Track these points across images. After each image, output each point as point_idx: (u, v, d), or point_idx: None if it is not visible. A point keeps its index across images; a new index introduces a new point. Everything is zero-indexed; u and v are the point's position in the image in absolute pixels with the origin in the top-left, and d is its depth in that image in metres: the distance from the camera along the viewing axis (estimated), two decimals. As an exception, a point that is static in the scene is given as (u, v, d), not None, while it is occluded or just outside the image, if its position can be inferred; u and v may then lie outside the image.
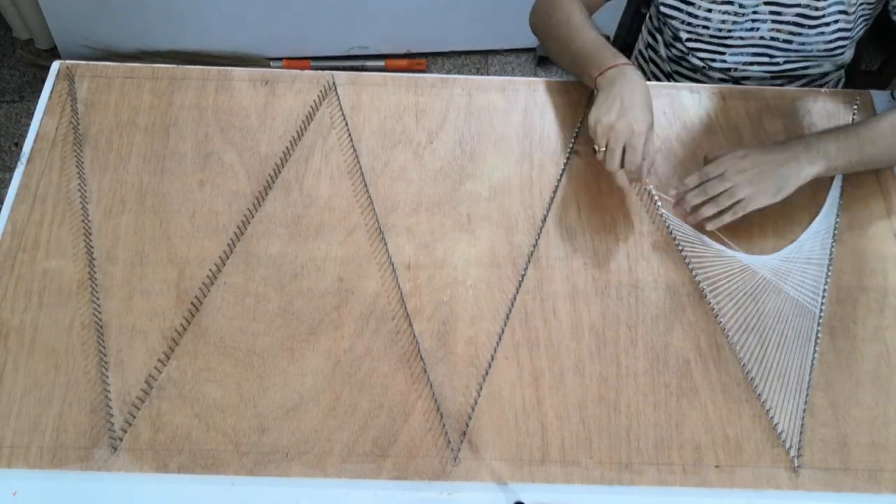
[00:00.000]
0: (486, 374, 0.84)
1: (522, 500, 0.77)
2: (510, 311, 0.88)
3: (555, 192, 0.96)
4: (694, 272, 0.91)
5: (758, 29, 1.04)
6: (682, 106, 1.04)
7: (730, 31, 1.05)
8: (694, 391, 0.84)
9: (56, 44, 2.01)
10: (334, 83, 1.03)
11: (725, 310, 0.88)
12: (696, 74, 1.14)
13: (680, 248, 0.93)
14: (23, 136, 1.93)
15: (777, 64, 1.08)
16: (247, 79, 1.05)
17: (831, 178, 0.98)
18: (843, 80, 1.20)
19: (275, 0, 1.89)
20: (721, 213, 0.88)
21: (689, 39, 1.09)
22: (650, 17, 1.21)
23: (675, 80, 1.17)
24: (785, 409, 0.83)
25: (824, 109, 1.05)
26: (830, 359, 0.86)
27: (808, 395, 0.84)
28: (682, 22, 1.07)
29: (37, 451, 0.79)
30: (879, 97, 1.06)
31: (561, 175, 0.98)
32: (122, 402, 0.82)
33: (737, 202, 0.87)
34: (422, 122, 1.02)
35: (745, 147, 0.91)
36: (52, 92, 1.02)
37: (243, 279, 0.89)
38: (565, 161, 0.99)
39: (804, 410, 0.83)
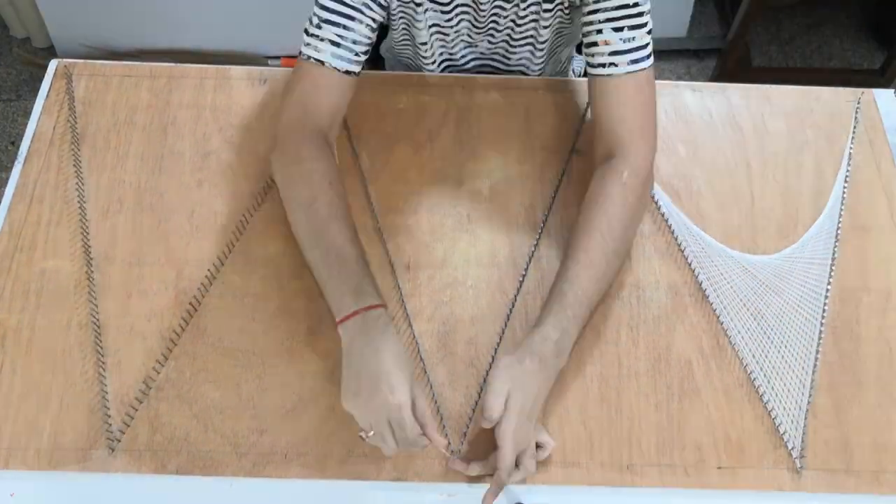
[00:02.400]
0: (487, 374, 0.83)
1: (523, 502, 0.77)
2: (511, 312, 0.87)
3: (555, 191, 0.96)
4: (696, 272, 0.90)
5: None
6: (683, 104, 1.04)
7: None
8: (696, 392, 0.83)
9: (53, 42, 2.01)
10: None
11: (727, 310, 0.88)
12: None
13: (682, 248, 0.92)
14: (20, 135, 1.93)
15: (500, 62, 1.06)
16: (245, 77, 1.04)
17: (833, 179, 0.98)
18: (572, 56, 1.18)
19: (273, -2, 1.89)
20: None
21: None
22: None
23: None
24: (787, 411, 0.82)
25: (827, 109, 1.05)
26: (833, 360, 0.86)
27: (810, 396, 0.83)
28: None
29: (34, 452, 0.78)
30: (881, 96, 1.06)
31: (561, 175, 0.97)
32: (120, 402, 0.81)
33: (538, 447, 0.77)
34: (422, 121, 1.01)
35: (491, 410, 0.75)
36: (49, 91, 1.02)
37: (242, 279, 0.89)
38: (566, 161, 0.98)
39: (807, 411, 0.82)
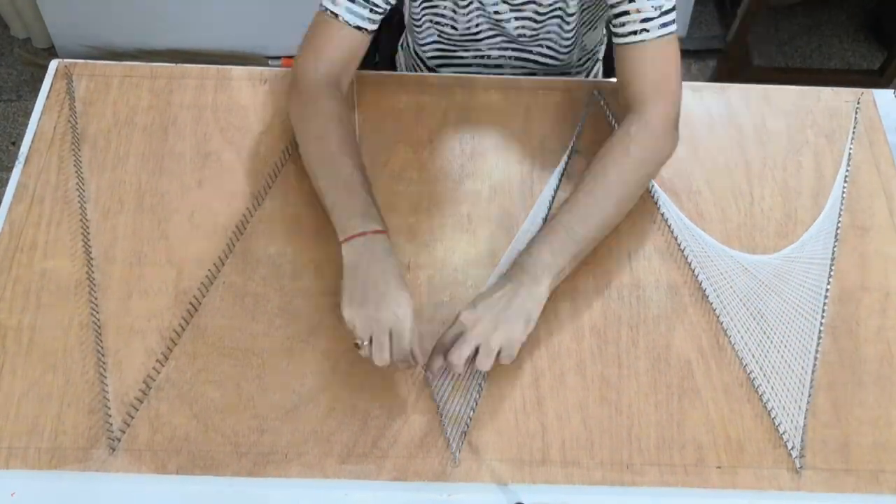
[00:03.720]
0: (486, 374, 0.83)
1: (523, 501, 0.77)
2: (511, 312, 0.87)
3: (555, 191, 0.96)
4: (696, 272, 0.90)
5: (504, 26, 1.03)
6: (684, 104, 1.03)
7: (477, 27, 1.04)
8: (695, 391, 0.83)
9: (54, 43, 2.01)
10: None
11: (727, 310, 0.88)
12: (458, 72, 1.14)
13: (682, 248, 0.92)
14: (20, 135, 1.93)
15: (530, 52, 1.08)
16: (246, 78, 1.04)
17: (833, 178, 0.98)
18: (600, 70, 1.22)
19: (274, -1, 1.89)
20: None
21: (440, 40, 1.08)
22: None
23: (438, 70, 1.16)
24: (787, 410, 0.83)
25: (826, 109, 1.05)
26: (833, 359, 0.86)
27: (810, 395, 0.83)
28: (433, 22, 1.05)
29: (35, 451, 0.78)
30: (881, 96, 1.06)
31: (561, 175, 0.97)
32: (121, 402, 0.81)
33: (499, 352, 0.77)
34: (422, 121, 1.01)
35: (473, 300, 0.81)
36: (50, 91, 1.02)
37: (242, 279, 0.89)
38: (566, 161, 0.98)
39: (806, 411, 0.83)
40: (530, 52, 1.08)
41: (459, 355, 0.76)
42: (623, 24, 0.89)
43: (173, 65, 1.05)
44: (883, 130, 1.03)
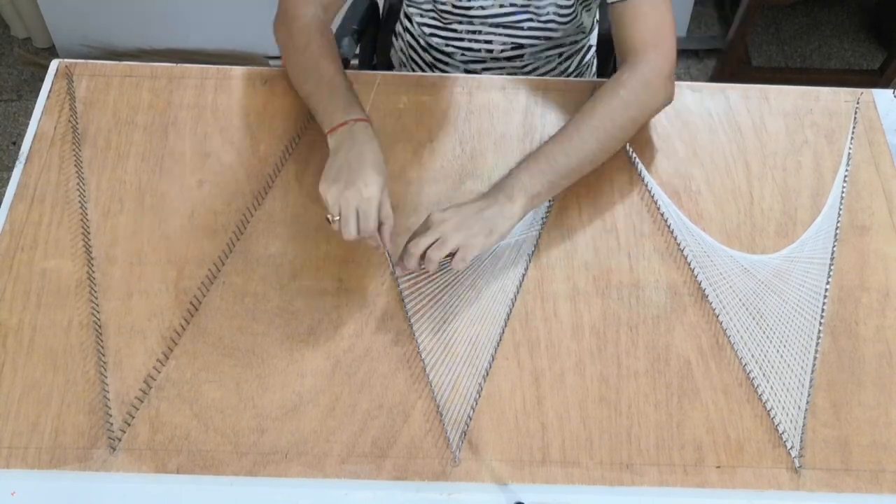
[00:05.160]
0: (487, 374, 0.84)
1: (523, 501, 0.77)
2: (510, 312, 0.88)
3: (555, 191, 0.96)
4: (695, 272, 0.91)
5: None
6: (683, 104, 1.04)
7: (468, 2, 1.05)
8: (695, 391, 0.84)
9: (54, 42, 2.01)
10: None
11: (727, 310, 0.88)
12: (447, 59, 1.15)
13: (681, 248, 0.92)
14: (21, 135, 1.93)
15: (521, 28, 1.08)
16: (246, 77, 1.05)
17: (832, 178, 0.98)
18: (594, 58, 1.23)
19: (274, -1, 1.89)
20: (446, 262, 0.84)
21: (433, 11, 1.09)
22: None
23: (431, 70, 1.17)
24: (786, 410, 0.83)
25: (826, 108, 1.05)
26: (832, 359, 0.86)
27: (809, 395, 0.83)
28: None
29: (35, 451, 0.78)
30: (880, 96, 1.06)
31: (561, 174, 0.97)
32: (121, 402, 0.81)
33: (452, 253, 0.82)
34: (422, 121, 1.01)
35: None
36: (50, 91, 1.02)
37: (242, 279, 0.89)
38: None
39: (806, 411, 0.83)
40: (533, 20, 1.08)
41: (417, 243, 0.81)
42: None
43: (174, 65, 1.05)
44: (882, 130, 1.03)
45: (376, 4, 1.31)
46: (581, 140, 0.89)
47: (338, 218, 0.82)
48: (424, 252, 0.82)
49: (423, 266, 0.82)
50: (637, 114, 0.92)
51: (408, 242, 0.83)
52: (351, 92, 0.90)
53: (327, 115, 0.88)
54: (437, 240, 0.81)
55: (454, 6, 1.06)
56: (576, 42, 1.16)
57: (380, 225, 0.84)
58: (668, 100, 0.95)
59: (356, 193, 0.81)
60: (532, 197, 0.85)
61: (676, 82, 0.97)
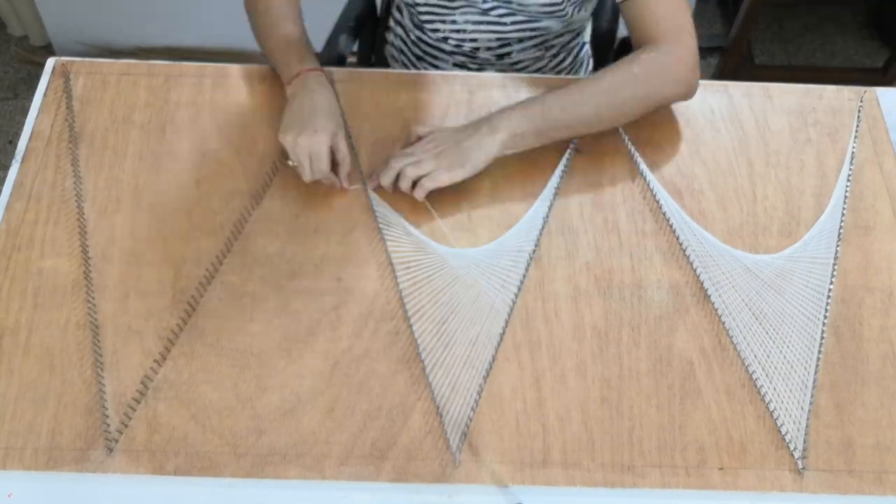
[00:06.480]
0: (487, 375, 0.83)
1: (523, 502, 0.77)
2: (511, 312, 0.87)
3: (556, 190, 0.95)
4: (698, 272, 0.90)
5: None
6: (685, 103, 1.03)
7: None
8: (697, 392, 0.83)
9: (51, 40, 2.00)
10: (332, 80, 1.02)
11: (729, 310, 0.87)
12: (436, 53, 1.15)
13: (683, 247, 0.92)
14: (17, 133, 1.92)
15: (504, 24, 1.07)
16: (244, 76, 1.04)
17: (836, 177, 0.98)
18: (588, 55, 1.22)
19: (273, -4, 1.88)
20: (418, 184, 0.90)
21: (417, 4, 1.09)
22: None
23: (420, 67, 1.17)
24: (789, 411, 0.82)
25: (829, 107, 1.04)
26: (835, 359, 0.85)
27: (812, 396, 0.83)
28: None
29: (32, 452, 0.78)
30: (884, 94, 1.05)
31: (562, 174, 0.97)
32: (118, 403, 0.81)
33: (425, 175, 0.88)
34: (422, 120, 1.01)
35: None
36: (47, 89, 1.01)
37: (240, 279, 0.88)
38: (566, 159, 0.98)
39: (809, 412, 0.82)
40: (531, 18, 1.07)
41: (399, 159, 0.89)
42: None
43: (171, 62, 1.05)
44: (886, 129, 1.02)
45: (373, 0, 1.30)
46: (581, 100, 0.91)
47: (294, 163, 0.89)
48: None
49: (397, 184, 0.89)
50: (645, 93, 0.92)
51: (391, 157, 0.90)
52: (307, 46, 0.97)
53: (285, 69, 0.95)
54: (415, 161, 0.88)
55: (437, 2, 1.06)
56: (566, 39, 1.15)
57: (337, 166, 0.91)
58: (689, 89, 0.94)
59: (308, 138, 0.87)
60: (515, 136, 0.89)
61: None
